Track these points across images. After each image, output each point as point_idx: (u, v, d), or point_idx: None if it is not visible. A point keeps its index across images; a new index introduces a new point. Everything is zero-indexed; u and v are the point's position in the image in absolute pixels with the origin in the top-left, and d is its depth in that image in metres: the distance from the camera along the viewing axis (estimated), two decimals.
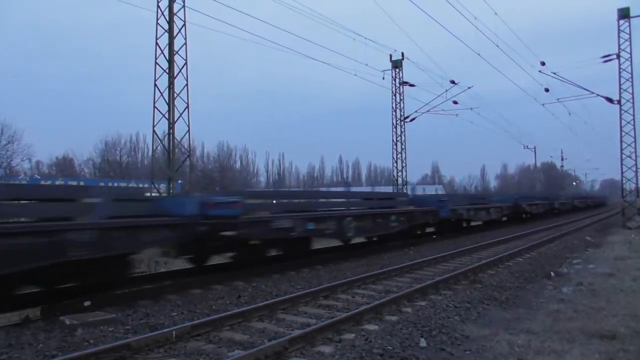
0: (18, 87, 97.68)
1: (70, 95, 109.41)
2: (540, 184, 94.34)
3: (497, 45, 25.93)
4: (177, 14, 19.55)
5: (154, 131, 20.11)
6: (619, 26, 28.13)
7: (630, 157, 29.34)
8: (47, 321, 7.50)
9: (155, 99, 19.56)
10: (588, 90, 30.19)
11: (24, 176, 50.08)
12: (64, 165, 64.93)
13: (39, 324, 7.41)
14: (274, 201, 13.50)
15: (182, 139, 20.55)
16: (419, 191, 50.22)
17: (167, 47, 19.52)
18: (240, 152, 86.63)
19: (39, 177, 51.56)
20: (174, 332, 6.50)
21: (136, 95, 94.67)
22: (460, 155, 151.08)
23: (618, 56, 28.31)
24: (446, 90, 31.16)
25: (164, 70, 19.58)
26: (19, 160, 50.82)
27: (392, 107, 33.51)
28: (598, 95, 29.80)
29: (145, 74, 59.11)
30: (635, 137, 28.85)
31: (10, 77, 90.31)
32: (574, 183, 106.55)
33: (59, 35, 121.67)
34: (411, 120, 33.63)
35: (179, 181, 26.34)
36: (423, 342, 6.47)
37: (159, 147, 21.50)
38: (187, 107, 19.72)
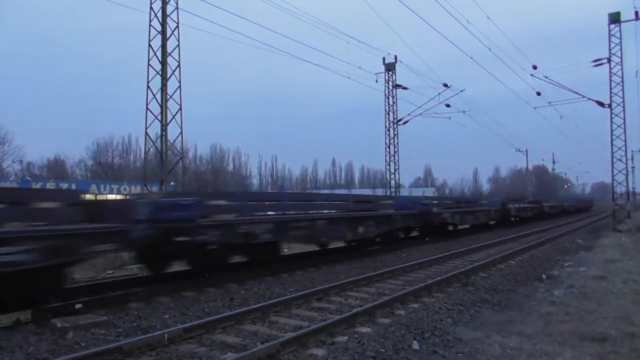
0: (10, 89, 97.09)
1: (62, 96, 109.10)
2: (532, 186, 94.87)
3: (490, 49, 26.13)
4: (170, 16, 19.53)
5: (146, 133, 20.06)
6: (609, 30, 28.36)
7: (620, 160, 29.56)
8: (38, 324, 7.44)
9: (148, 101, 19.53)
10: (579, 94, 30.46)
11: (15, 178, 49.80)
12: (56, 167, 64.62)
13: (29, 327, 7.36)
14: (239, 203, 12.32)
15: (174, 141, 20.52)
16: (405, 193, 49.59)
17: (160, 49, 19.49)
18: (233, 154, 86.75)
19: (30, 179, 51.23)
20: (166, 335, 6.47)
21: (129, 97, 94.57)
22: (452, 158, 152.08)
23: (609, 60, 28.52)
24: (439, 94, 31.40)
25: (157, 72, 19.54)
26: (9, 162, 50.64)
27: (385, 110, 33.66)
28: (589, 99, 30.05)
29: (140, 76, 58.97)
30: (625, 141, 29.08)
31: (2, 79, 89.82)
32: (565, 186, 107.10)
33: (55, 38, 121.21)
34: (404, 123, 33.78)
35: (172, 183, 26.24)
36: (416, 345, 6.48)
37: (151, 149, 21.42)
38: (180, 109, 19.70)
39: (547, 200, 52.23)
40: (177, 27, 19.62)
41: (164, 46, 19.47)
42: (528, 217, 38.62)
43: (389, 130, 33.59)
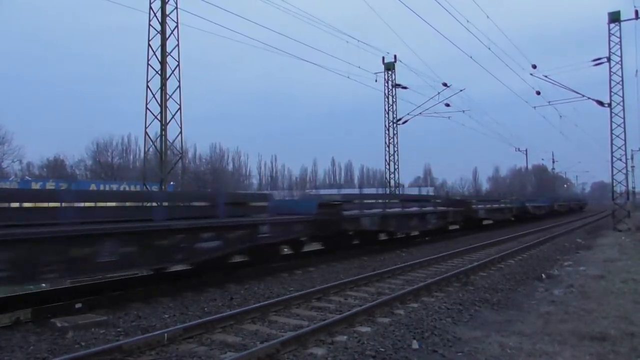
0: (10, 89, 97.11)
1: (62, 96, 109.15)
2: (531, 186, 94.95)
3: (489, 48, 26.13)
4: (170, 16, 19.54)
5: (146, 133, 20.08)
6: (609, 30, 28.36)
7: (620, 159, 29.56)
8: (38, 323, 7.44)
9: (148, 101, 19.53)
10: (579, 94, 30.46)
11: (15, 178, 49.82)
12: (55, 167, 64.61)
13: (29, 327, 7.36)
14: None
15: (174, 140, 20.54)
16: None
17: (160, 48, 19.49)
18: (233, 154, 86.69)
19: (29, 179, 51.24)
20: (165, 335, 6.46)
21: (129, 97, 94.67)
22: (452, 158, 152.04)
23: (609, 59, 28.52)
24: (438, 93, 31.35)
25: (157, 72, 19.54)
26: (9, 162, 50.68)
27: (385, 110, 33.65)
28: (589, 98, 30.06)
29: (139, 76, 58.97)
30: (625, 140, 29.07)
31: (2, 79, 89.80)
32: (565, 185, 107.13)
33: (55, 38, 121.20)
34: (403, 123, 33.77)
35: (171, 183, 26.23)
36: (415, 344, 6.49)
37: (151, 149, 21.45)
38: (180, 108, 19.70)
39: (488, 200, 35.10)
40: (177, 26, 19.65)
41: (163, 46, 19.47)
42: (429, 232, 22.35)
43: (388, 130, 33.60)
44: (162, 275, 11.15)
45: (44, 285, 11.28)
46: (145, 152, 22.86)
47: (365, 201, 19.05)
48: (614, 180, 30.30)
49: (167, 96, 19.52)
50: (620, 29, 28.18)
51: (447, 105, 32.03)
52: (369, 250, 17.28)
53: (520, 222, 35.65)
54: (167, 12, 19.48)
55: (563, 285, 10.76)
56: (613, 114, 28.93)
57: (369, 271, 12.49)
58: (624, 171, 30.26)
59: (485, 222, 31.18)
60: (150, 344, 6.23)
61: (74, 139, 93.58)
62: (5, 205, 8.72)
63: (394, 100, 33.48)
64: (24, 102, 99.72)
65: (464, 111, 33.84)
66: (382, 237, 19.60)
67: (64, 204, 8.69)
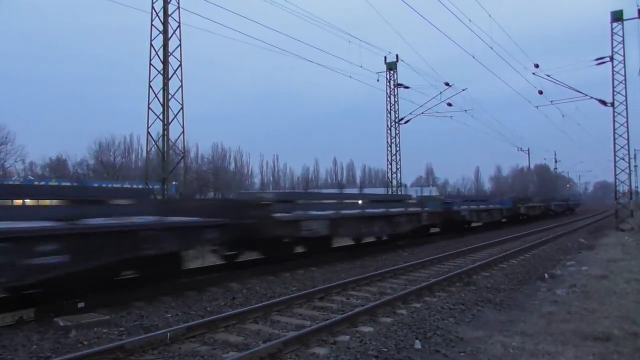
0: (10, 89, 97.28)
1: (62, 96, 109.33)
2: (534, 186, 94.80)
3: (492, 48, 26.03)
4: (172, 15, 19.53)
5: (148, 132, 20.05)
6: (612, 29, 28.28)
7: (623, 159, 29.48)
8: (41, 322, 7.46)
9: (150, 101, 19.53)
10: (581, 93, 30.37)
11: (17, 177, 49.90)
12: (58, 167, 64.67)
13: (32, 326, 7.37)
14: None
15: (176, 140, 20.50)
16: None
17: (162, 48, 19.49)
18: (235, 153, 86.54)
19: (32, 178, 51.32)
20: (168, 334, 6.47)
21: (129, 97, 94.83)
22: (454, 157, 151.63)
23: (611, 59, 28.44)
24: (440, 93, 31.23)
25: (159, 72, 19.54)
26: (12, 161, 50.80)
27: (387, 109, 33.58)
28: (591, 97, 29.97)
29: (140, 76, 59.18)
30: (628, 140, 28.97)
31: (2, 79, 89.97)
32: (567, 185, 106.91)
33: (56, 38, 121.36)
34: (405, 122, 33.70)
35: (173, 182, 26.25)
36: (418, 344, 6.48)
37: (153, 149, 21.44)
38: (182, 108, 19.69)
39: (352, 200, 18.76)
40: (179, 26, 19.64)
41: (165, 46, 19.47)
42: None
43: (390, 130, 33.55)
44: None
45: None
46: (147, 152, 22.86)
47: None
48: (617, 180, 30.23)
49: (170, 96, 19.52)
50: (623, 28, 28.12)
51: (449, 104, 31.95)
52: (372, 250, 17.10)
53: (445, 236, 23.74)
54: (169, 12, 19.48)
55: (565, 285, 10.74)
56: (616, 114, 28.86)
57: (371, 271, 12.48)
58: (627, 170, 30.21)
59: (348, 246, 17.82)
60: (152, 343, 6.24)
61: (75, 139, 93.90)
62: None
63: (396, 99, 33.44)
64: (24, 102, 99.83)
65: (466, 110, 33.71)
66: None
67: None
